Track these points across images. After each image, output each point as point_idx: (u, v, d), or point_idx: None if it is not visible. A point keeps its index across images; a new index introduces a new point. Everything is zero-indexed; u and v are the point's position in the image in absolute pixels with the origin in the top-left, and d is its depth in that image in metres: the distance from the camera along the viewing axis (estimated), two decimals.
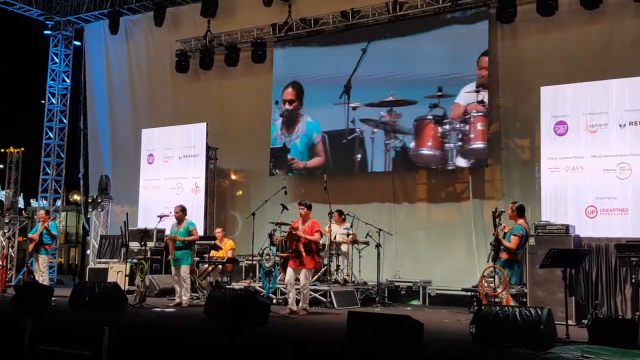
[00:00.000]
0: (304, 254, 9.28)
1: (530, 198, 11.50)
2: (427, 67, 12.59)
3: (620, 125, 10.23)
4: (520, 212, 9.19)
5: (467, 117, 11.87)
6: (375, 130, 12.85)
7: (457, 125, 11.95)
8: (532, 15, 11.91)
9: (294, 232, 9.41)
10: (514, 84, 12.25)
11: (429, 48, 12.85)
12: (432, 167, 12.56)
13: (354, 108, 12.90)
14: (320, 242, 10.15)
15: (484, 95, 11.77)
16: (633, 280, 9.10)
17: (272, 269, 10.84)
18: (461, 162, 12.15)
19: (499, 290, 8.43)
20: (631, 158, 10.06)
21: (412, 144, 12.38)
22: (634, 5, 11.04)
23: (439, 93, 11.91)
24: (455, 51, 12.49)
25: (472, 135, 11.84)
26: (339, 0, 13.90)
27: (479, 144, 11.75)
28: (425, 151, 12.24)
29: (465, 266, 12.15)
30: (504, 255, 8.72)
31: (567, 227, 9.42)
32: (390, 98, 12.47)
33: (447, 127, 11.96)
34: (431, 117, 12.09)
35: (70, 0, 17.80)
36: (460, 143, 11.88)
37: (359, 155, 13.15)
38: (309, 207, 9.61)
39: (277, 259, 10.82)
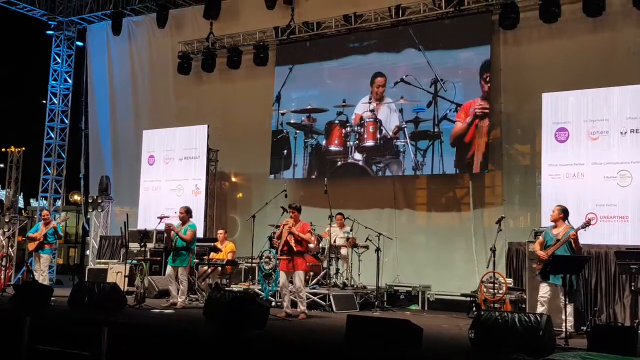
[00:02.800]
0: (294, 247, 9.32)
1: (530, 204, 11.53)
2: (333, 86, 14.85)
3: (621, 133, 10.25)
4: (566, 214, 8.70)
5: (362, 122, 14.25)
6: (298, 131, 14.82)
7: (356, 128, 14.33)
8: (534, 22, 11.93)
9: (287, 226, 9.43)
10: (515, 90, 12.27)
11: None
12: (337, 160, 14.41)
13: (283, 114, 14.98)
14: (312, 240, 10.20)
15: (373, 106, 14.17)
16: (632, 288, 9.11)
17: (272, 272, 10.83)
18: (357, 156, 14.24)
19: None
20: (632, 166, 10.08)
21: (323, 142, 14.51)
22: (636, 13, 11.05)
23: (343, 104, 14.40)
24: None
25: (365, 136, 14.06)
26: (342, 4, 13.93)
27: (369, 143, 13.97)
28: (332, 148, 14.43)
29: (465, 271, 12.17)
30: None
31: None
32: (309, 106, 14.75)
33: (348, 129, 14.37)
34: (338, 122, 14.51)
35: (73, 1, 17.83)
36: (357, 142, 14.17)
37: (285, 151, 14.83)
38: (299, 210, 9.75)
39: (276, 261, 10.80)
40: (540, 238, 8.68)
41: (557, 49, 11.90)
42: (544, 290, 8.35)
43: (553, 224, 8.68)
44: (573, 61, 11.66)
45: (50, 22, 18.18)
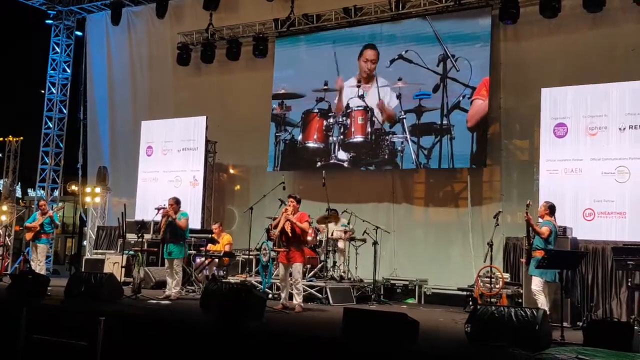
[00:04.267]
0: (290, 234, 9.29)
1: (528, 199, 11.49)
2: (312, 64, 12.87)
3: (620, 129, 10.26)
4: (552, 211, 8.92)
5: (348, 111, 12.01)
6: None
7: (340, 119, 12.16)
8: (534, 17, 11.90)
9: (285, 214, 9.42)
10: (514, 85, 12.25)
11: None
12: (316, 159, 12.61)
13: None
14: (310, 232, 10.17)
15: (364, 90, 11.89)
16: (629, 284, 9.14)
17: (268, 264, 10.84)
18: (342, 155, 12.21)
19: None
20: (630, 162, 10.09)
21: (299, 137, 12.54)
22: (636, 9, 11.04)
23: (325, 87, 12.06)
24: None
25: (352, 129, 11.98)
26: None
27: (358, 138, 11.81)
28: (310, 144, 12.50)
29: (462, 266, 12.18)
30: (537, 254, 8.32)
31: (564, 229, 9.44)
32: (282, 90, 12.71)
33: (331, 120, 12.19)
34: (317, 111, 12.37)
35: None
36: (342, 137, 12.04)
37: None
38: (299, 201, 9.69)
39: (273, 253, 10.81)
40: None
41: (556, 45, 11.88)
42: (534, 282, 8.43)
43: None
44: (572, 57, 11.65)
45: (49, 12, 18.10)
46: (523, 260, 8.90)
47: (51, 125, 18.01)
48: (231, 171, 15.94)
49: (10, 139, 22.03)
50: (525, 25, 12.15)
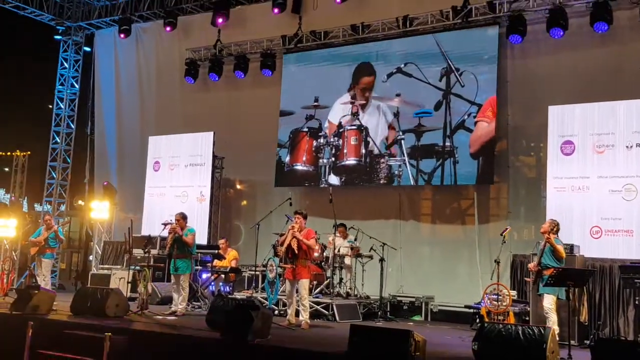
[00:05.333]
0: (296, 251, 9.27)
1: (535, 217, 11.48)
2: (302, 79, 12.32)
3: (627, 147, 10.25)
4: (558, 229, 8.88)
5: (341, 130, 11.12)
6: None
7: (332, 140, 11.30)
8: (542, 35, 11.93)
9: (292, 231, 9.40)
10: (522, 102, 12.25)
11: None
12: (305, 183, 11.98)
13: None
14: (317, 249, 10.16)
15: (357, 108, 11.09)
16: (637, 302, 9.08)
17: (275, 280, 10.82)
18: (333, 179, 11.47)
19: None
20: (637, 180, 10.09)
21: (287, 158, 11.72)
22: None
23: (315, 104, 11.19)
24: None
25: (345, 151, 11.11)
26: (350, 14, 13.94)
27: (351, 161, 10.96)
28: (299, 166, 11.67)
29: (469, 283, 12.12)
30: (547, 272, 8.21)
31: (571, 246, 9.40)
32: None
33: (321, 141, 11.30)
34: (307, 130, 11.49)
35: (81, 6, 17.93)
36: (333, 159, 11.13)
37: None
38: (305, 217, 9.68)
39: (279, 269, 10.79)
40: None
41: (564, 63, 11.89)
42: (547, 300, 8.36)
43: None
44: (580, 75, 11.66)
45: (58, 27, 18.27)
46: (530, 279, 8.84)
47: (59, 140, 18.11)
48: (238, 187, 15.97)
49: (18, 153, 22.14)
50: (532, 43, 12.17)
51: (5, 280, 13.07)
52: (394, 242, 12.59)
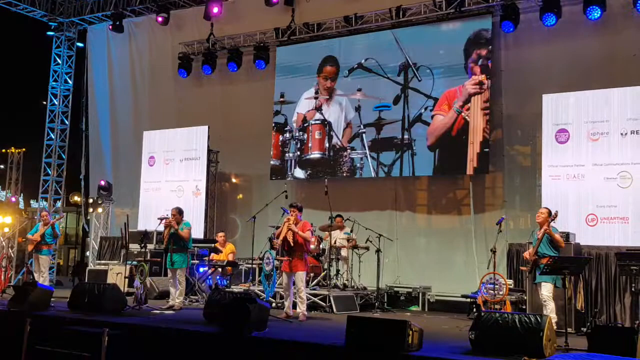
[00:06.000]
0: (292, 243, 9.29)
1: (530, 205, 11.52)
2: None
3: (621, 134, 10.27)
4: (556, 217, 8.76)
5: (305, 125, 11.34)
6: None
7: (297, 134, 11.53)
8: (535, 24, 11.92)
9: (287, 223, 9.42)
10: (516, 91, 12.27)
11: None
12: (272, 177, 12.18)
13: None
14: (313, 241, 10.18)
15: (321, 102, 11.41)
16: (632, 289, 9.11)
17: (271, 273, 10.83)
18: (299, 173, 11.67)
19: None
20: (632, 167, 10.10)
21: None
22: (637, 15, 11.06)
23: (281, 99, 11.48)
24: None
25: (309, 145, 11.37)
26: (343, 5, 13.91)
27: (315, 155, 11.21)
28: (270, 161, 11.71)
29: (465, 272, 12.16)
30: (545, 261, 8.15)
31: (567, 234, 9.41)
32: None
33: (287, 135, 11.57)
34: (273, 125, 11.82)
35: (73, 2, 17.83)
36: (298, 153, 11.33)
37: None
38: (300, 209, 9.71)
39: (276, 262, 10.80)
40: (530, 240, 8.75)
41: (558, 51, 11.89)
42: (545, 288, 8.32)
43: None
44: (574, 63, 11.67)
45: (50, 23, 18.17)
46: (525, 268, 8.74)
47: (53, 137, 18.06)
48: (233, 180, 15.95)
49: (13, 150, 22.08)
50: (526, 32, 12.16)
51: (2, 278, 13.07)
52: (390, 233, 12.61)
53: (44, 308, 9.40)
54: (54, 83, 18.25)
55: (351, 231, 12.03)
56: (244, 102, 15.29)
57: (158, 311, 9.96)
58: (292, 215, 9.53)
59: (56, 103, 18.17)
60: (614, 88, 10.46)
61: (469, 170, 11.96)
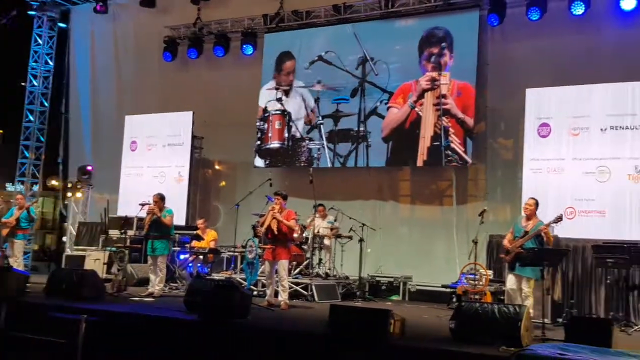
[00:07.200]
0: (276, 232, 9.32)
1: (512, 198, 11.65)
2: None
3: (601, 130, 10.43)
4: (537, 207, 8.74)
5: (266, 115, 11.75)
6: None
7: (258, 124, 11.96)
8: (521, 19, 12.00)
9: (272, 212, 9.42)
10: (500, 85, 12.35)
11: None
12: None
13: None
14: (297, 230, 10.21)
15: (281, 93, 11.79)
16: (608, 281, 9.30)
17: (254, 261, 10.83)
18: (258, 162, 12.11)
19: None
20: (610, 162, 10.28)
21: None
22: (619, 13, 11.18)
23: None
24: None
25: (269, 135, 11.75)
26: None
27: (274, 144, 11.63)
28: None
29: (446, 263, 12.28)
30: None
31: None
32: None
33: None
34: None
35: None
36: (259, 142, 11.78)
37: None
38: (285, 197, 9.71)
39: (259, 250, 10.81)
40: (511, 229, 8.62)
41: (542, 46, 11.98)
42: (511, 281, 8.35)
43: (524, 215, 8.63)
44: (557, 58, 11.76)
45: (32, 3, 17.77)
46: (507, 257, 8.42)
47: (32, 119, 17.73)
48: (217, 167, 15.87)
49: None
50: (511, 26, 12.25)
51: None
52: (373, 223, 12.67)
53: (20, 294, 9.25)
54: (34, 64, 17.88)
55: (335, 220, 12.07)
56: (229, 89, 15.13)
57: (137, 298, 9.91)
58: (276, 203, 9.53)
59: (36, 84, 17.83)
60: (596, 84, 10.60)
61: (419, 163, 12.34)
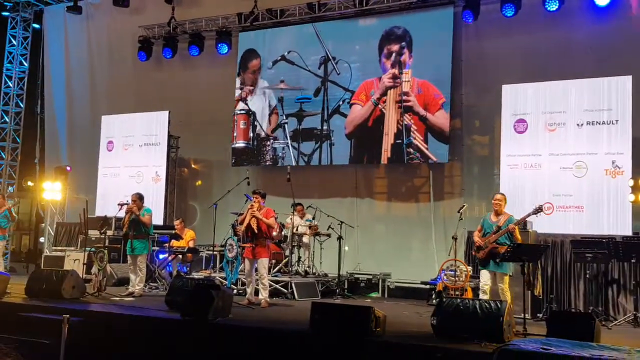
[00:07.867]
0: (255, 230, 9.28)
1: (488, 194, 11.68)
2: None
3: (577, 125, 10.55)
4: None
5: (231, 115, 11.92)
6: None
7: None
8: (495, 16, 12.09)
9: (251, 210, 9.39)
10: (476, 82, 12.44)
11: None
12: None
13: None
14: (276, 228, 10.19)
15: (246, 93, 12.05)
16: (587, 276, 9.41)
17: (234, 260, 10.79)
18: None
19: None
20: (587, 157, 10.40)
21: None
22: (593, 9, 11.33)
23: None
24: None
25: (234, 134, 11.97)
26: None
27: (239, 144, 11.89)
28: None
29: (424, 259, 12.35)
30: (503, 249, 7.99)
31: (525, 223, 9.61)
32: None
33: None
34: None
35: None
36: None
37: None
38: (263, 196, 9.69)
39: (239, 249, 10.77)
40: (479, 226, 8.53)
41: (517, 42, 12.09)
42: (485, 277, 8.26)
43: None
44: (532, 55, 11.87)
45: (6, 3, 17.52)
46: (480, 254, 8.24)
47: (7, 120, 17.53)
48: (193, 166, 15.77)
49: None
50: (486, 23, 12.33)
51: None
52: (351, 220, 12.71)
53: (1, 295, 9.18)
54: (8, 65, 17.66)
55: (313, 218, 12.07)
56: (205, 88, 15.06)
57: (118, 298, 9.84)
58: (255, 202, 9.51)
59: (11, 85, 17.61)
60: (571, 80, 10.73)
61: (384, 160, 12.44)
